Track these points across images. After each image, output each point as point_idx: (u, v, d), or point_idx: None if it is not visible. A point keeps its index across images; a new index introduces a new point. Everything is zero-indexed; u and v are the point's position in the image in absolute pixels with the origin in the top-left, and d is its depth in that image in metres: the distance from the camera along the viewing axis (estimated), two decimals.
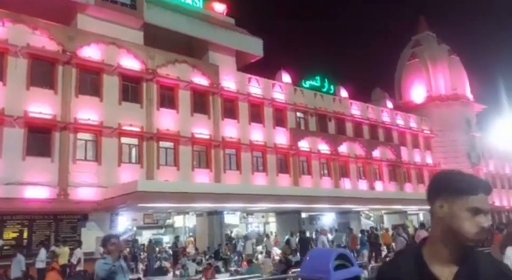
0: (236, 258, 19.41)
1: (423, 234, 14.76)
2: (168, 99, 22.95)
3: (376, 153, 33.54)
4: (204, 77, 24.39)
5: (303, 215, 27.36)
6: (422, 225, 16.64)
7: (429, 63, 40.17)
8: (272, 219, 27.56)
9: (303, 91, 29.81)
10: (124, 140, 20.93)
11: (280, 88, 28.38)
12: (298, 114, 29.17)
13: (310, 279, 5.09)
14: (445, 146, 38.50)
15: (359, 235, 20.24)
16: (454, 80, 39.58)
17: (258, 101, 26.68)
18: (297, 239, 19.55)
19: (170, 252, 20.00)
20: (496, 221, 35.18)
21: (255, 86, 26.88)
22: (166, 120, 22.39)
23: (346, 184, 30.74)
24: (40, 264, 14.51)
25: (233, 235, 24.45)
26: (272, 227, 27.15)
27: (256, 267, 13.63)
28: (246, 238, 19.54)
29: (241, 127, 25.42)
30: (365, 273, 9.89)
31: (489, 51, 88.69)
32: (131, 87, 21.76)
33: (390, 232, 22.58)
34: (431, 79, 39.93)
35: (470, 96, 40.65)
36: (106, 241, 4.90)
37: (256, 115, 26.43)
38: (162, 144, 22.10)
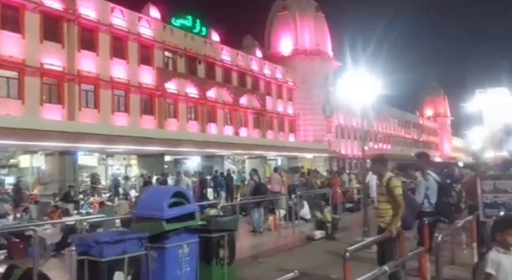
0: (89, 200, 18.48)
1: (276, 176, 15.88)
2: (11, 21, 19.71)
3: (243, 100, 34.47)
4: (57, 0, 21.37)
5: (168, 158, 27.17)
6: (275, 169, 17.90)
7: (298, 17, 41.75)
8: (134, 161, 26.74)
9: (172, 29, 28.42)
10: None
11: (148, 24, 26.56)
12: (167, 53, 27.90)
13: (144, 217, 4.97)
14: (305, 98, 41.40)
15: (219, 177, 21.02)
16: (318, 36, 42.01)
17: (122, 35, 24.63)
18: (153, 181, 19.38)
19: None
20: (341, 166, 39.91)
21: (119, 18, 24.61)
22: (9, 45, 19.33)
23: (212, 129, 31.20)
24: None
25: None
26: (135, 170, 26.40)
27: (108, 209, 13.10)
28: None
29: (101, 62, 23.31)
30: (216, 212, 10.23)
31: (349, 13, 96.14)
32: None
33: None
34: (298, 33, 41.75)
35: (330, 53, 43.80)
36: None
37: (119, 50, 24.44)
38: (3, 72, 19.18)
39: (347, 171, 23.68)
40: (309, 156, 38.26)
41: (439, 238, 4.41)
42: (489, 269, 3.11)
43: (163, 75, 27.07)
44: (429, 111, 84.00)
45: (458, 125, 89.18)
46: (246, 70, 35.30)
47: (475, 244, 6.54)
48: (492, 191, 6.05)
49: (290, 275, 3.21)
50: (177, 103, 28.29)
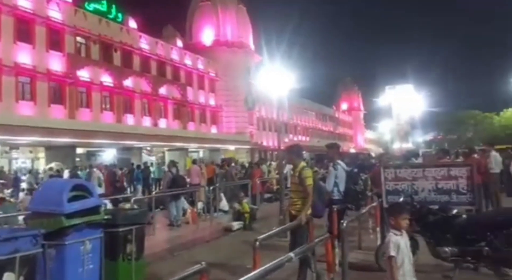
0: None
1: (195, 169, 15.72)
2: None
3: (163, 90, 33.51)
4: None
5: (80, 150, 25.64)
6: (194, 161, 17.70)
7: (220, 8, 41.45)
8: (42, 154, 24.83)
9: (86, 14, 26.64)
10: None
11: (58, 7, 24.60)
12: (79, 39, 26.11)
13: (40, 212, 4.54)
14: (227, 90, 41.38)
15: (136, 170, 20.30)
16: (240, 29, 42.08)
17: (28, 18, 22.56)
18: (65, 175, 18.13)
19: None
20: (262, 157, 40.65)
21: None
22: None
23: (130, 119, 29.96)
24: None
25: None
26: (42, 163, 24.54)
27: (9, 206, 11.99)
28: None
29: (3, 46, 21.20)
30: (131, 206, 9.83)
31: (268, 8, 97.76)
32: None
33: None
34: (220, 24, 41.48)
35: (252, 46, 44.15)
36: None
37: (24, 34, 22.39)
38: None
39: (268, 163, 24.18)
40: (231, 147, 38.41)
41: (344, 224, 4.61)
42: (392, 252, 3.34)
43: (74, 62, 25.29)
44: (344, 105, 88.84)
45: (371, 119, 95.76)
46: (166, 59, 34.31)
47: (379, 229, 6.98)
48: (394, 179, 6.49)
49: (197, 266, 3.11)
50: (91, 92, 26.67)
